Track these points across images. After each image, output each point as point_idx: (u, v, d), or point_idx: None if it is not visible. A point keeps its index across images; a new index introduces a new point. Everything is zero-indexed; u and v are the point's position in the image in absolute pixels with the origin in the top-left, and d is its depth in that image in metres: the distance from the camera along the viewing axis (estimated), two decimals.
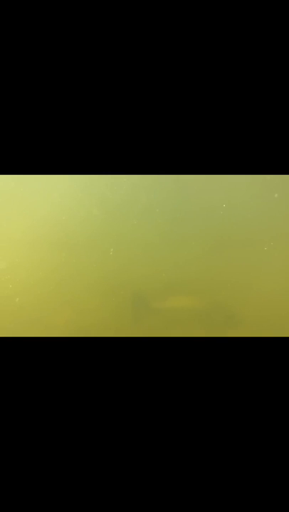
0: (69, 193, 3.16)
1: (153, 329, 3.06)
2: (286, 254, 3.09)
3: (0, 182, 3.15)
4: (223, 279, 3.09)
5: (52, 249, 3.12)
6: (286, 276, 3.08)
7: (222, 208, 3.07)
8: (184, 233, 3.15)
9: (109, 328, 3.05)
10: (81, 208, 3.15)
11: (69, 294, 3.10)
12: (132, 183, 3.14)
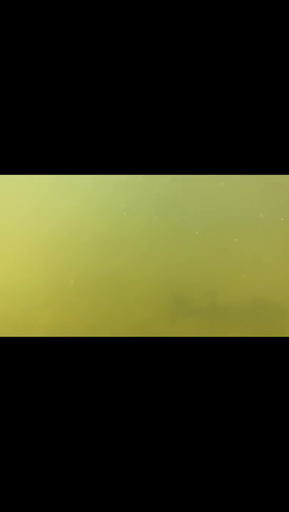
0: (54, 193, 3.16)
1: (156, 329, 3.05)
2: None
3: None
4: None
5: (34, 250, 3.12)
6: None
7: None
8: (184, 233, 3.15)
9: (92, 328, 3.04)
10: (68, 208, 3.15)
11: (52, 295, 3.10)
12: (124, 182, 3.14)
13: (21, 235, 3.17)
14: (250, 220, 3.14)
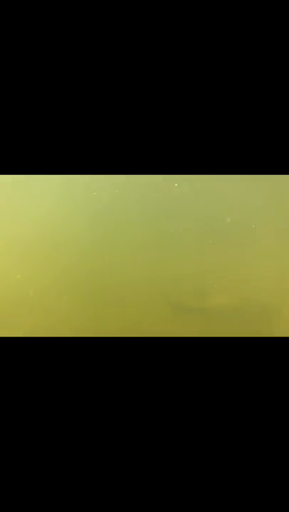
0: (38, 193, 3.14)
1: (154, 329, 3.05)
2: None
3: None
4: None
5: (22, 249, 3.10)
6: None
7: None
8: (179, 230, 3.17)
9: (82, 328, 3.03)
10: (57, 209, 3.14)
11: (33, 295, 3.08)
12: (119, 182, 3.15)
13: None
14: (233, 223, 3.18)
